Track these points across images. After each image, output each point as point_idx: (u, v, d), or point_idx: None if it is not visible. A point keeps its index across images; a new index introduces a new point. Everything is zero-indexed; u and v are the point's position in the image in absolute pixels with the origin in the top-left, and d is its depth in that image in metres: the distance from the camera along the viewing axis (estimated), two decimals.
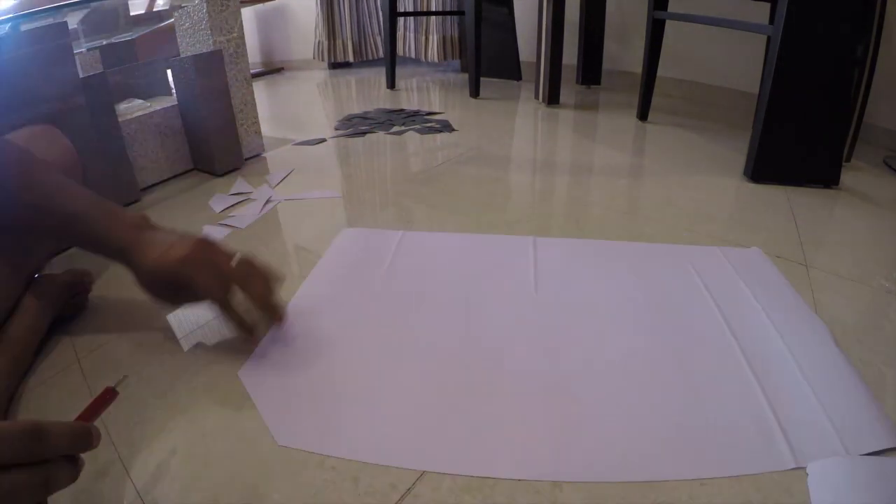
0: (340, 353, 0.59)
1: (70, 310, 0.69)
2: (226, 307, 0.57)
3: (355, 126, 1.58)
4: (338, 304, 0.68)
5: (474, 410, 0.50)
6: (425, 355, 0.58)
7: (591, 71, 1.99)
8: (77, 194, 0.59)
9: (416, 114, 1.69)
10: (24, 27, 0.93)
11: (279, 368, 0.57)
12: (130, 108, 1.14)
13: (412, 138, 1.46)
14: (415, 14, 2.40)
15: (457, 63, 2.51)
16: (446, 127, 1.52)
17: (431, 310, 0.65)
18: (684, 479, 0.42)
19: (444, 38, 2.37)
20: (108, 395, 0.41)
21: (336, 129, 1.57)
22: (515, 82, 2.15)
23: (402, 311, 0.66)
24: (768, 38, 1.00)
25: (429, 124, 1.55)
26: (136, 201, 1.07)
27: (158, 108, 1.16)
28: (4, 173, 0.56)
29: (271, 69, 2.97)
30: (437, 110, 1.74)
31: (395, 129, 1.54)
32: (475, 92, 1.89)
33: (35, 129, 0.76)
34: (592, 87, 2.02)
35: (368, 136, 1.49)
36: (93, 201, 0.59)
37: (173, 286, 0.57)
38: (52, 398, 0.56)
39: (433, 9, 2.36)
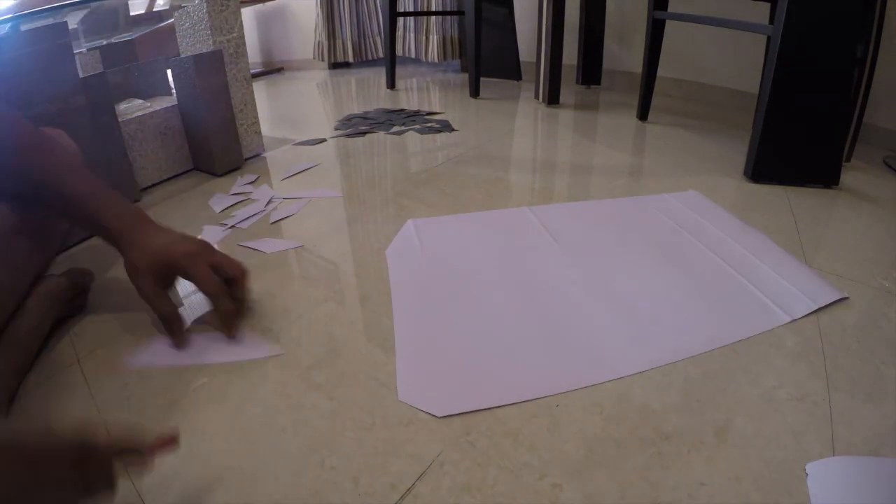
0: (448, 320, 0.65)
1: (70, 310, 0.69)
2: (218, 302, 0.62)
3: (355, 126, 1.58)
4: (423, 285, 0.73)
5: (553, 341, 0.60)
6: (504, 310, 0.66)
7: (591, 71, 1.99)
8: (82, 177, 0.63)
9: (416, 114, 1.69)
10: (24, 27, 0.93)
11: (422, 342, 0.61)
12: (130, 108, 1.14)
13: (412, 138, 1.46)
14: (415, 14, 2.40)
15: (457, 63, 2.51)
16: (446, 127, 1.52)
17: (487, 279, 0.73)
18: (714, 350, 0.58)
19: (444, 38, 2.37)
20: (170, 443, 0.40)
21: (336, 129, 1.57)
22: (515, 82, 2.15)
23: (466, 284, 0.73)
24: (768, 38, 1.00)
25: (429, 124, 1.55)
26: (136, 201, 1.07)
27: (158, 108, 1.16)
28: (17, 145, 0.60)
29: (271, 69, 2.97)
30: (437, 110, 1.74)
31: (395, 129, 1.54)
32: (475, 92, 1.89)
33: (43, 130, 0.76)
34: (592, 87, 2.02)
35: (368, 136, 1.49)
36: (97, 186, 0.63)
37: (170, 275, 0.63)
38: (52, 398, 0.56)
39: (433, 9, 2.36)
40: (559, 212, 0.93)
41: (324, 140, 1.46)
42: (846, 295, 0.65)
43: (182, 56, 1.19)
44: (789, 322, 0.61)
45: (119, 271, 0.80)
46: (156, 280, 0.61)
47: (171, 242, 0.62)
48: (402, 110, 1.75)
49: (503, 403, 0.51)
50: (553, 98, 1.72)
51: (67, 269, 0.71)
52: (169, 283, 0.64)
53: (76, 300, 0.70)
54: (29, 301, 0.63)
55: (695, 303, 0.66)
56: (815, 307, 0.63)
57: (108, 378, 0.58)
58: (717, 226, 0.84)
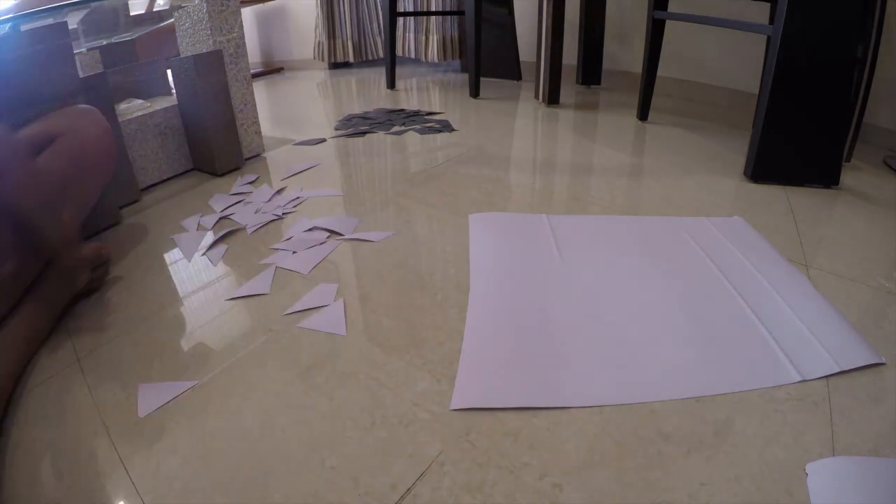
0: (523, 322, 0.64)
1: (89, 285, 0.74)
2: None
3: (355, 126, 1.58)
4: (505, 285, 0.73)
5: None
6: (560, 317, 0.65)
7: (591, 71, 1.99)
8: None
9: (416, 114, 1.69)
10: (24, 27, 0.93)
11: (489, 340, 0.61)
12: (130, 108, 1.14)
13: (412, 138, 1.46)
14: (415, 14, 2.40)
15: (457, 63, 2.51)
16: (446, 127, 1.52)
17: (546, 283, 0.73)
18: (717, 395, 0.52)
19: (444, 38, 2.37)
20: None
21: (336, 129, 1.57)
22: (515, 82, 2.15)
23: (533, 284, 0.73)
24: (768, 38, 1.00)
25: (429, 124, 1.55)
26: (136, 201, 1.07)
27: (158, 108, 1.16)
28: None
29: (271, 69, 2.97)
30: (437, 110, 1.74)
31: (395, 129, 1.54)
32: (475, 92, 1.89)
33: (78, 108, 0.84)
34: (592, 87, 2.02)
35: (368, 136, 1.49)
36: None
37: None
38: (52, 398, 0.56)
39: (433, 9, 2.36)
40: (584, 224, 0.89)
41: (324, 140, 1.46)
42: (883, 360, 0.54)
43: (182, 56, 1.19)
44: (798, 382, 0.52)
45: (120, 269, 0.80)
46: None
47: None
48: (402, 110, 1.75)
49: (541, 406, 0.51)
50: (553, 98, 1.72)
51: (85, 245, 0.75)
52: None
53: (94, 275, 0.74)
54: (45, 275, 0.68)
55: (689, 343, 0.59)
56: (838, 370, 0.53)
57: (108, 378, 0.58)
58: (750, 259, 0.74)
